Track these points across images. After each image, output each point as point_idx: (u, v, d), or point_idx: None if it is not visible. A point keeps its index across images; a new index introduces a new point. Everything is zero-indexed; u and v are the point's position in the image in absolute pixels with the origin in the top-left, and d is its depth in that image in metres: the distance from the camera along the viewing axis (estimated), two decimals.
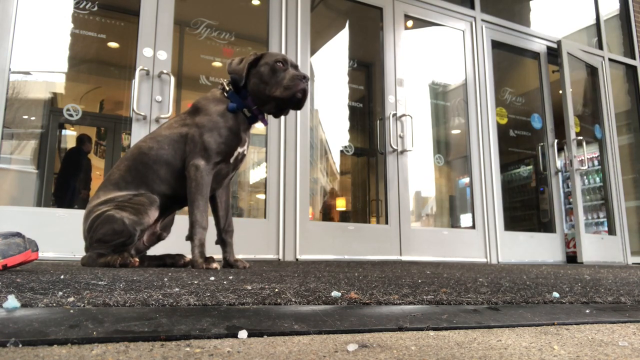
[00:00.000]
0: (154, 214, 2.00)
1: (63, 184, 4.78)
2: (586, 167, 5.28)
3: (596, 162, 6.56)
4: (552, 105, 5.45)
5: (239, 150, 2.07)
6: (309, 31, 4.18)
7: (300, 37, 4.10)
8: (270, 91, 1.97)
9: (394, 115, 4.42)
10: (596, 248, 5.25)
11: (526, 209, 6.52)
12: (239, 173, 5.42)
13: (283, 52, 4.01)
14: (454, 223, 5.45)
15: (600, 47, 5.94)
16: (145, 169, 2.01)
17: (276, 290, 1.12)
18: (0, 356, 0.55)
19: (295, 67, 2.05)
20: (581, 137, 5.29)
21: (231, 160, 2.06)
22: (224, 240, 2.14)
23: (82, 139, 5.00)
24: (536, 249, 4.95)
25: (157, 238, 2.18)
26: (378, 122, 4.54)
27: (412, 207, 4.61)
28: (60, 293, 0.93)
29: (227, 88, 2.07)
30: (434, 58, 5.19)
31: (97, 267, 1.87)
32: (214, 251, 2.09)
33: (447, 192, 5.54)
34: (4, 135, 3.10)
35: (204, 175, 1.96)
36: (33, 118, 3.92)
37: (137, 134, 3.32)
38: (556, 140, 5.34)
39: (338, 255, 3.94)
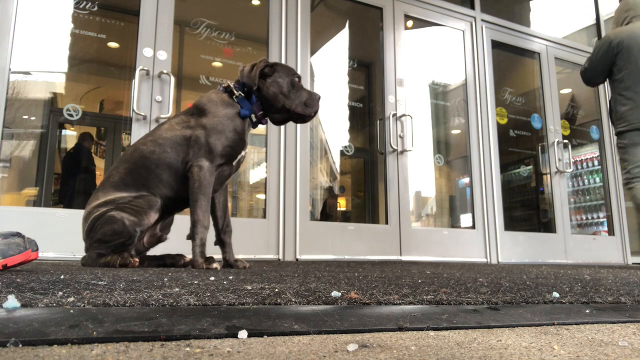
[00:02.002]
0: (154, 215, 1.99)
1: (64, 183, 4.78)
2: (572, 169, 5.41)
3: (596, 162, 6.56)
4: (552, 105, 5.46)
5: (242, 153, 2.10)
6: (309, 31, 4.18)
7: (300, 37, 4.10)
8: (291, 105, 2.07)
9: (394, 115, 4.42)
10: (586, 249, 5.27)
11: (526, 209, 6.51)
12: (239, 173, 5.42)
13: (283, 52, 4.01)
14: (454, 223, 5.45)
15: None
16: (147, 173, 2.01)
17: (276, 290, 1.12)
18: (0, 356, 0.55)
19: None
20: (566, 141, 5.37)
21: (234, 163, 2.09)
22: (222, 240, 2.14)
23: (83, 137, 5.00)
24: (536, 249, 4.95)
25: (157, 240, 2.18)
26: (378, 122, 4.54)
27: (412, 207, 4.61)
28: (60, 293, 0.93)
29: (237, 93, 2.07)
30: (434, 58, 5.19)
31: (97, 267, 1.87)
32: (214, 252, 2.09)
33: (447, 192, 5.54)
34: (4, 135, 3.10)
35: (207, 176, 1.97)
36: (33, 118, 3.92)
37: (137, 134, 3.32)
38: (556, 140, 5.34)
39: (338, 255, 3.94)
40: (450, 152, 5.36)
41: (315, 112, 2.12)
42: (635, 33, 3.20)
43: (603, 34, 5.99)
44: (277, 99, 2.07)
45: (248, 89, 2.07)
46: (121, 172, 2.04)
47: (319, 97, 2.13)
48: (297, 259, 3.72)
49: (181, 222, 2.30)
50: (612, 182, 5.70)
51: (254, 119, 2.10)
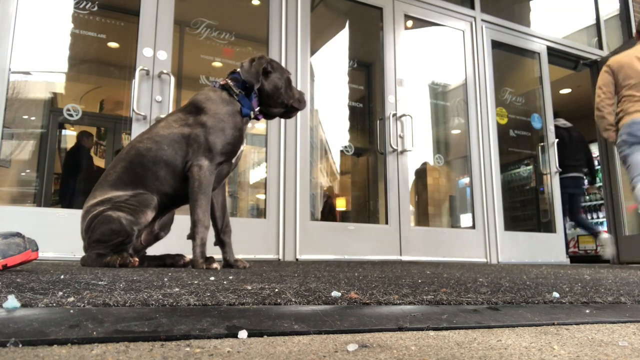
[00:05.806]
0: (150, 213, 1.99)
1: (64, 182, 4.78)
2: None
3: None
4: (552, 105, 5.46)
5: (241, 148, 2.13)
6: (309, 31, 4.18)
7: (300, 37, 4.10)
8: (289, 101, 2.22)
9: (394, 115, 4.41)
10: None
11: (526, 209, 6.51)
12: (239, 173, 5.42)
13: (283, 52, 4.01)
14: (454, 223, 5.45)
15: (600, 47, 5.94)
16: (144, 171, 2.01)
17: (276, 290, 1.12)
18: (0, 356, 0.55)
19: None
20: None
21: (233, 160, 2.10)
22: (222, 240, 2.14)
23: (81, 136, 5.00)
24: (536, 249, 4.95)
25: (155, 238, 2.18)
26: (378, 122, 4.54)
27: (412, 207, 4.61)
28: (60, 293, 0.93)
29: (237, 91, 2.08)
30: (434, 58, 5.19)
31: (97, 267, 1.87)
32: (214, 252, 2.09)
33: (447, 192, 5.53)
34: (4, 135, 3.10)
35: (207, 175, 1.97)
36: (33, 118, 3.92)
37: (137, 134, 3.32)
38: (556, 140, 5.34)
39: (338, 255, 3.94)
40: (450, 152, 5.36)
41: (304, 106, 2.32)
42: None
43: (603, 34, 5.99)
44: (278, 95, 2.18)
45: (249, 86, 2.08)
46: (118, 170, 2.04)
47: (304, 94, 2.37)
48: (297, 259, 3.72)
49: (181, 221, 2.30)
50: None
51: (252, 116, 2.14)
